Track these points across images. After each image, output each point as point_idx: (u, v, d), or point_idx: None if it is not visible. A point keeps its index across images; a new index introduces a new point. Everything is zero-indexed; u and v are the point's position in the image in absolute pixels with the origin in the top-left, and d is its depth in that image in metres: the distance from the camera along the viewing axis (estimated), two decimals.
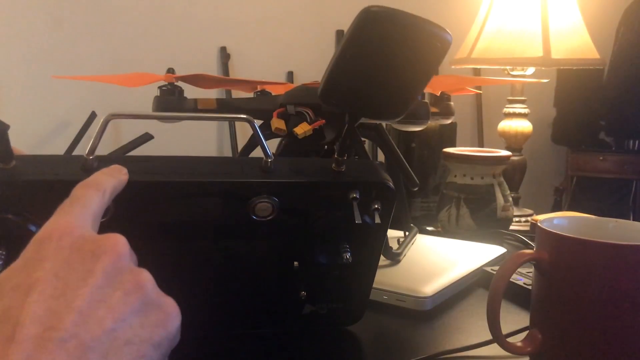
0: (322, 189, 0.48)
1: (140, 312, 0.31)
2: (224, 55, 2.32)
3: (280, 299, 0.54)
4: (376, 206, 0.48)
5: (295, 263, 0.51)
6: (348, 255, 0.50)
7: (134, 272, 0.32)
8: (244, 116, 0.47)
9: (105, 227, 0.44)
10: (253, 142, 0.70)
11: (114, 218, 0.44)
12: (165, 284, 0.50)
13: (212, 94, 2.05)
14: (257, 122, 0.71)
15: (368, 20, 0.42)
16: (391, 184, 0.49)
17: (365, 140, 0.79)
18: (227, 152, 2.33)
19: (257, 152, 0.70)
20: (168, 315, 0.32)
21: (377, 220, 0.48)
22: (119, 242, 0.32)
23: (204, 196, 0.45)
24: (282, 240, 0.50)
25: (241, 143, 2.29)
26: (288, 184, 0.46)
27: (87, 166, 0.43)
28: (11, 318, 0.28)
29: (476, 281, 0.72)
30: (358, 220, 0.47)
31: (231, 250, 0.49)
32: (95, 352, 0.28)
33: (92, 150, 0.43)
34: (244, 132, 2.31)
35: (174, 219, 0.46)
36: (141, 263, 0.48)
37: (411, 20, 0.42)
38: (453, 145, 1.08)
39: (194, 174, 0.45)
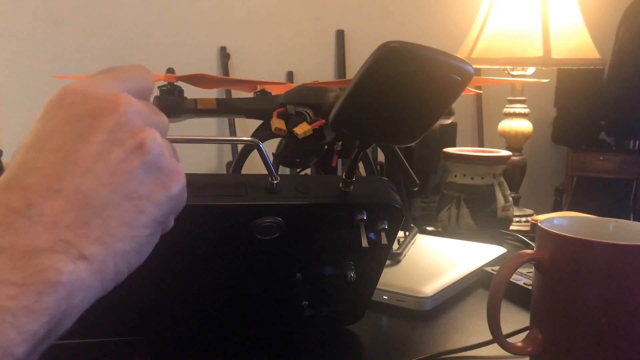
0: (328, 210, 0.47)
1: (140, 171, 0.31)
2: (224, 55, 2.32)
3: (281, 306, 0.54)
4: (383, 226, 0.48)
5: (298, 275, 0.51)
6: (352, 273, 0.49)
7: (136, 130, 0.31)
8: (250, 139, 0.46)
9: None
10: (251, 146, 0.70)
11: None
12: (170, 291, 0.50)
13: (212, 93, 2.05)
14: (257, 123, 0.72)
15: (387, 55, 0.40)
16: (399, 205, 0.48)
17: None
18: (227, 152, 2.33)
19: (256, 153, 0.70)
20: (168, 176, 0.32)
21: (384, 240, 0.48)
22: (120, 100, 0.31)
23: (208, 217, 0.45)
24: (285, 256, 0.49)
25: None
26: (293, 205, 0.46)
27: None
28: (12, 169, 0.30)
29: (476, 281, 0.72)
30: (365, 245, 0.46)
31: (234, 264, 0.49)
32: (93, 202, 0.29)
33: None
34: (244, 132, 2.30)
35: (179, 237, 0.46)
36: (147, 277, 0.48)
37: (431, 56, 0.41)
38: (453, 145, 1.08)
39: (199, 195, 0.44)
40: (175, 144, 0.36)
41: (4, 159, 0.47)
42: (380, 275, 0.54)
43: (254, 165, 0.62)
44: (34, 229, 0.28)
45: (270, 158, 0.47)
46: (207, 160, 2.34)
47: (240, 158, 0.70)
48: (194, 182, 0.45)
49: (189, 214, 0.44)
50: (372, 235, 0.48)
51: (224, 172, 2.35)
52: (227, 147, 2.33)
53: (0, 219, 0.28)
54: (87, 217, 0.29)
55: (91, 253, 0.29)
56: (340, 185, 0.47)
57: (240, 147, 0.72)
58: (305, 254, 0.49)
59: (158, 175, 0.32)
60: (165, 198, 0.32)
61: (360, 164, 0.75)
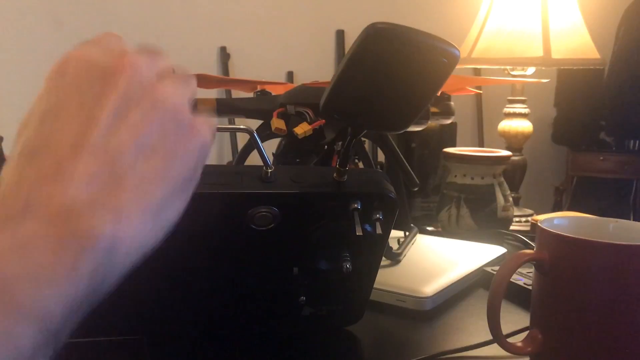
0: (322, 199, 0.47)
1: (159, 127, 0.31)
2: (224, 55, 2.32)
3: (279, 303, 0.54)
4: (378, 216, 0.48)
5: (295, 269, 0.51)
6: (348, 265, 0.49)
7: (149, 88, 0.31)
8: (244, 127, 0.47)
9: None
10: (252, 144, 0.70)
11: None
12: (166, 288, 0.50)
13: (212, 94, 2.05)
14: (257, 123, 0.72)
15: (374, 37, 0.40)
16: (393, 195, 0.48)
17: (365, 140, 0.79)
18: (227, 149, 2.33)
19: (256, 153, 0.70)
20: (187, 130, 0.32)
21: (379, 230, 0.48)
22: (126, 59, 0.31)
23: (202, 207, 0.45)
24: (281, 248, 0.49)
25: (241, 142, 2.29)
26: (288, 194, 0.46)
27: None
28: (27, 141, 0.29)
29: (476, 281, 0.72)
30: (359, 232, 0.46)
31: (230, 257, 0.49)
32: (123, 159, 0.29)
33: None
34: (243, 134, 2.30)
35: (174, 228, 0.46)
36: (145, 273, 0.48)
37: (417, 37, 0.41)
38: (453, 145, 1.08)
39: None
40: None
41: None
42: (377, 272, 0.54)
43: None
44: (69, 191, 0.28)
45: (271, 158, 0.47)
46: (207, 160, 2.33)
47: (241, 156, 0.69)
48: None
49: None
50: (367, 226, 0.48)
51: None
52: (227, 147, 2.33)
53: (32, 180, 0.28)
54: (120, 174, 0.29)
55: (127, 211, 0.29)
56: (334, 175, 0.47)
57: (240, 145, 0.72)
58: (301, 246, 0.50)
59: (177, 130, 0.32)
60: (188, 151, 0.32)
61: (361, 164, 0.75)
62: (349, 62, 0.42)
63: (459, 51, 0.42)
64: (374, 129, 0.47)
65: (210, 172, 0.46)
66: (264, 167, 0.46)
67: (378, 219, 0.48)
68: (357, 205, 0.47)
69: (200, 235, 0.47)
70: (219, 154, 2.36)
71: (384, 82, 0.42)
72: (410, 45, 0.41)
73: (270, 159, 0.47)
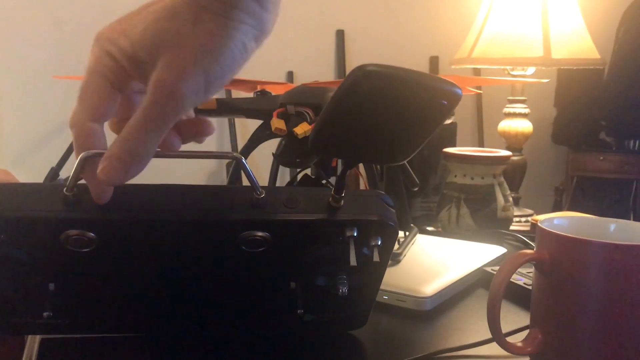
0: (316, 226, 0.45)
1: None
2: None
3: (278, 314, 0.53)
4: (376, 243, 0.46)
5: (292, 284, 0.50)
6: (345, 289, 0.48)
7: None
8: (232, 154, 0.45)
9: (90, 258, 0.44)
10: (253, 140, 0.70)
11: (101, 250, 0.43)
12: (160, 306, 0.50)
13: None
14: (257, 123, 0.72)
15: (364, 81, 0.38)
16: (392, 221, 0.46)
17: None
18: (227, 149, 2.32)
19: (259, 151, 0.70)
20: None
21: (376, 258, 0.46)
22: None
23: (191, 233, 0.44)
24: (275, 267, 0.48)
25: (241, 142, 2.29)
26: (280, 221, 0.44)
27: (67, 201, 0.42)
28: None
29: (476, 281, 0.72)
30: (353, 263, 0.44)
31: (225, 274, 0.48)
32: None
33: (71, 187, 0.41)
34: (243, 132, 2.30)
35: (163, 252, 0.45)
36: (135, 290, 0.48)
37: (411, 80, 0.39)
38: (453, 145, 1.08)
39: (181, 210, 0.43)
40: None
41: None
42: (380, 285, 0.53)
43: (253, 165, 0.62)
44: None
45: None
46: (209, 160, 2.33)
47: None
48: (175, 193, 0.44)
49: (172, 229, 0.44)
50: (365, 250, 0.47)
51: (225, 172, 2.35)
52: (227, 145, 2.33)
53: None
54: None
55: None
56: (330, 200, 0.45)
57: (240, 145, 0.71)
58: (296, 266, 0.48)
59: None
60: None
61: (361, 165, 0.75)
62: (338, 102, 0.40)
63: (460, 90, 0.40)
64: (367, 162, 0.46)
65: (198, 194, 0.45)
66: (254, 193, 0.44)
67: (376, 246, 0.46)
68: (354, 233, 0.45)
69: (193, 255, 0.46)
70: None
71: (376, 123, 0.41)
72: (403, 89, 0.39)
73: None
